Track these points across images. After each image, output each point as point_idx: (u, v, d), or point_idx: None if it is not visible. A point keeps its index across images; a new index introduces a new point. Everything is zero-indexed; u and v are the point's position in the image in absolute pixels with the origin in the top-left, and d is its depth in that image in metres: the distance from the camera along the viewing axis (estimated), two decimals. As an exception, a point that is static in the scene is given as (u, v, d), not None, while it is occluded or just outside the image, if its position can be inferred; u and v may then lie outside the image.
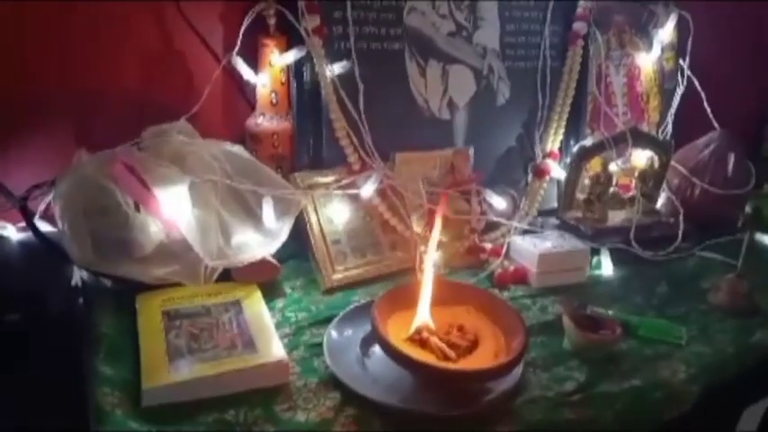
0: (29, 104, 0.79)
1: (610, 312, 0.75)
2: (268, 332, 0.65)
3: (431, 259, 0.65)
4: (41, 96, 0.79)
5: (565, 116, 1.00)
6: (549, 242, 0.86)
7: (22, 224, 0.74)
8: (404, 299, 0.66)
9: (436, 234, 0.66)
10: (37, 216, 0.76)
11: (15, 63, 0.77)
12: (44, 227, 0.75)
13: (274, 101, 0.85)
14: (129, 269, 0.69)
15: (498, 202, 0.90)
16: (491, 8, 0.95)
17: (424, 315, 0.63)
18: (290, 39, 0.83)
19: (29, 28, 0.76)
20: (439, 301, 0.65)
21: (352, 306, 0.72)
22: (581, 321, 0.69)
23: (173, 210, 0.69)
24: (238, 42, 0.82)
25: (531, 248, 0.84)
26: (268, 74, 0.83)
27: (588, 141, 0.96)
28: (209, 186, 0.73)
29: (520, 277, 0.83)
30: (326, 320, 0.70)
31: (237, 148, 0.78)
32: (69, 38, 0.78)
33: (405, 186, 0.85)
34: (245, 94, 0.88)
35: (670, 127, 1.15)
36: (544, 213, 1.00)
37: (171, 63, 0.84)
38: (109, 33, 0.80)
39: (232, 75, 0.86)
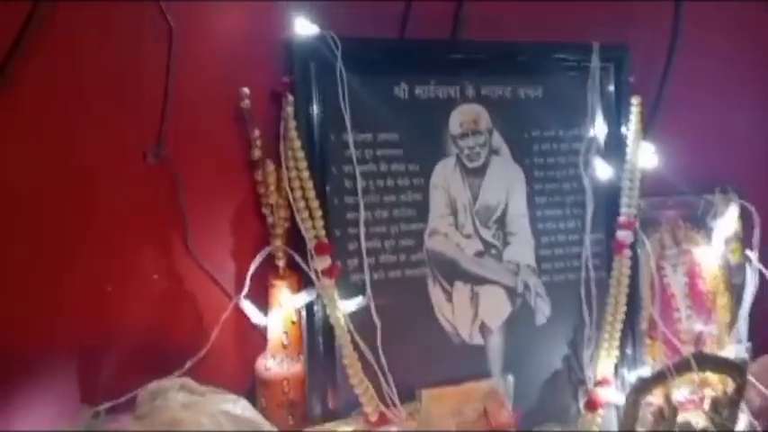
0: (27, 351, 0.74)
1: None
2: None
3: None
4: (42, 343, 0.75)
5: (617, 332, 0.89)
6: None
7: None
8: None
9: None
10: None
11: (13, 307, 0.73)
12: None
13: (285, 342, 0.78)
14: None
15: (540, 456, 0.78)
16: (522, 223, 0.88)
17: None
18: (302, 277, 0.78)
19: (30, 271, 0.74)
20: None
21: None
22: None
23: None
24: (246, 286, 0.78)
25: None
26: (278, 314, 0.78)
27: (646, 372, 0.83)
28: (203, 459, 0.66)
29: None
30: None
31: (241, 407, 0.71)
32: (72, 282, 0.75)
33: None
34: (257, 329, 0.83)
35: (744, 329, 1.01)
36: (601, 445, 0.87)
37: (179, 304, 0.80)
38: (114, 276, 0.77)
39: (243, 312, 0.81)
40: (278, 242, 0.75)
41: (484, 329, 0.85)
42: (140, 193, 0.75)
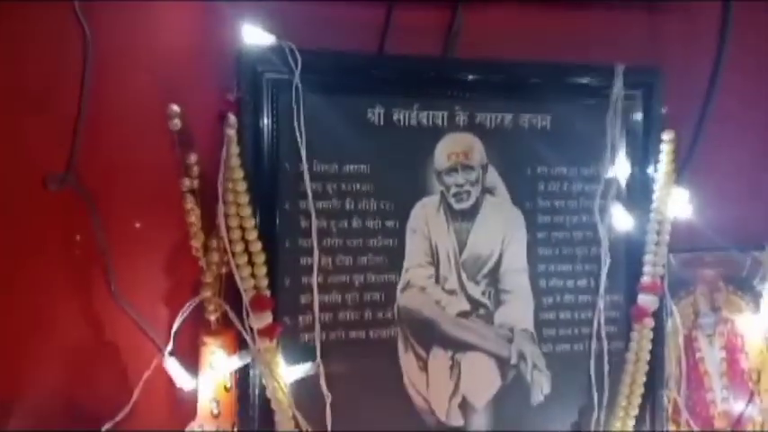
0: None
1: None
2: None
3: None
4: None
5: (631, 419, 0.72)
6: None
7: None
8: None
9: None
10: None
11: None
12: None
13: (215, 411, 0.65)
14: None
15: None
16: (520, 279, 0.72)
17: None
18: (238, 334, 0.64)
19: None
20: None
21: None
22: None
23: None
24: (170, 342, 0.65)
25: None
26: (209, 378, 0.65)
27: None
28: None
29: None
30: None
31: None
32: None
33: None
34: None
35: (796, 418, 0.83)
36: None
37: (101, 357, 0.67)
38: (30, 325, 0.65)
39: (175, 370, 0.68)
40: (208, 292, 0.62)
41: (465, 407, 0.70)
42: (54, 225, 0.64)
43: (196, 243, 0.60)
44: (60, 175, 0.60)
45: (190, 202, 0.58)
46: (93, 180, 0.63)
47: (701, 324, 0.81)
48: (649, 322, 0.73)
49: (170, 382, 0.68)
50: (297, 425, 0.62)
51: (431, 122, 0.70)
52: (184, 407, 0.69)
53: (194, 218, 0.59)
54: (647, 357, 0.73)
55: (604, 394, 0.73)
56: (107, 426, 0.65)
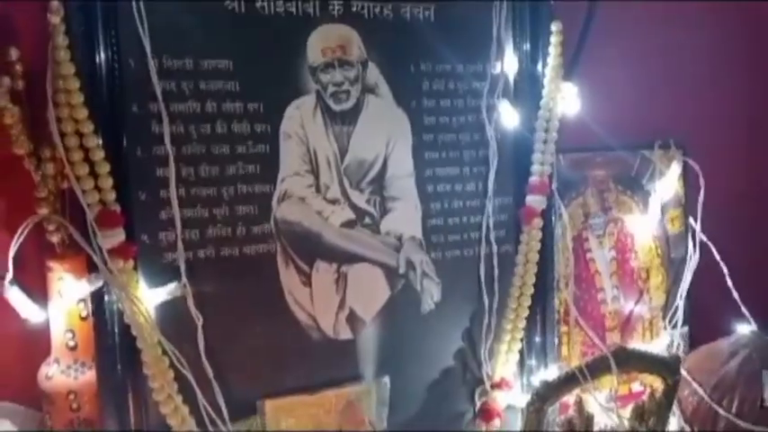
0: None
1: None
2: None
3: None
4: None
5: (522, 321, 0.71)
6: None
7: None
8: None
9: None
10: None
11: None
12: None
13: (71, 344, 0.58)
14: None
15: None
16: (406, 185, 0.68)
17: None
18: (89, 258, 0.57)
19: None
20: None
21: None
22: None
23: None
24: (10, 269, 0.57)
25: None
26: (60, 307, 0.57)
27: (553, 374, 0.66)
28: None
29: None
30: None
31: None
32: None
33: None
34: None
35: (681, 312, 0.85)
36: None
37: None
38: None
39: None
40: (45, 209, 0.54)
41: (353, 320, 0.66)
42: None
43: (19, 150, 0.51)
44: None
45: (3, 100, 0.49)
46: None
47: (592, 224, 0.81)
48: (538, 223, 0.71)
49: (18, 315, 0.60)
50: (165, 351, 0.57)
51: (300, 11, 0.62)
52: (39, 342, 0.62)
53: (10, 119, 0.50)
54: (536, 259, 0.71)
55: (495, 298, 0.71)
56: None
